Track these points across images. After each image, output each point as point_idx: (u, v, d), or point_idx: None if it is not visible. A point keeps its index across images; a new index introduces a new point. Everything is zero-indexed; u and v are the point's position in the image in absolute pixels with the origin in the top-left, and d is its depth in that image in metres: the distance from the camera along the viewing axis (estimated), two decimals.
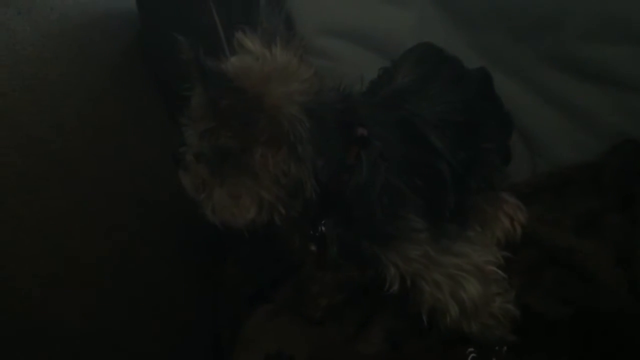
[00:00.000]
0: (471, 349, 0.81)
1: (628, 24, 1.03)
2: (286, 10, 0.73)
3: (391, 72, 0.94)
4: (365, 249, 0.76)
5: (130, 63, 1.08)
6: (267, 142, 0.68)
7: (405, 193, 0.75)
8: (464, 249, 0.79)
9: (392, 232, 0.75)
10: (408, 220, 0.75)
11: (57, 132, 0.79)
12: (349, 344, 0.86)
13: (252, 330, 0.93)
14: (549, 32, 1.08)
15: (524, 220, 0.97)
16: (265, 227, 0.73)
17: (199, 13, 1.06)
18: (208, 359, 1.00)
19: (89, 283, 0.78)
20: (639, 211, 0.94)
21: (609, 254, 0.88)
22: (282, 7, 0.73)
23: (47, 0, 0.88)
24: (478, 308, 0.78)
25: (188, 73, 0.69)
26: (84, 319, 0.76)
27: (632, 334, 0.76)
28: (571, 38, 1.07)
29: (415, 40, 1.04)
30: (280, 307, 0.96)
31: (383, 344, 0.85)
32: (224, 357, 0.95)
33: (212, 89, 0.65)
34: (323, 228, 0.76)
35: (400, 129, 0.79)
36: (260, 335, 0.91)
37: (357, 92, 0.81)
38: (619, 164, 1.05)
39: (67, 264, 0.75)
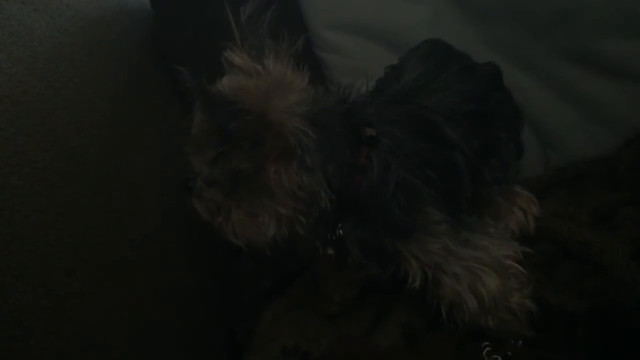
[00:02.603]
0: (486, 343, 0.81)
1: None
2: (269, 19, 0.71)
3: (398, 69, 0.94)
4: (387, 246, 0.76)
5: (144, 60, 1.08)
6: (277, 158, 0.69)
7: (420, 187, 0.75)
8: (483, 242, 0.79)
9: (411, 227, 0.75)
10: (426, 213, 0.76)
11: (75, 130, 0.80)
12: (365, 338, 0.86)
13: (268, 325, 0.93)
14: (564, 26, 1.07)
15: (537, 213, 0.97)
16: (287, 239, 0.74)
17: (213, 10, 1.06)
18: (224, 354, 1.00)
19: (108, 277, 0.79)
20: None
21: (625, 248, 0.87)
22: (264, 17, 0.71)
23: None
24: (496, 302, 0.78)
25: (190, 100, 0.72)
26: (101, 311, 0.76)
27: None
28: (586, 32, 1.06)
29: (428, 35, 1.04)
30: (296, 302, 0.96)
31: (399, 338, 0.85)
32: (239, 351, 0.95)
33: (218, 114, 0.66)
34: (340, 231, 0.77)
35: (412, 123, 0.79)
36: (276, 329, 0.92)
37: (358, 91, 0.81)
38: (633, 158, 1.04)
39: (86, 258, 0.75)
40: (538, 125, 1.17)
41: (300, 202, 0.70)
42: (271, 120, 0.67)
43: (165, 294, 0.92)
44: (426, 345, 0.84)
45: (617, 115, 1.10)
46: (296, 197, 0.70)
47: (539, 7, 1.08)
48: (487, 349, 0.81)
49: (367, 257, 0.79)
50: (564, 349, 0.79)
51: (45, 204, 0.70)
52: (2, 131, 0.66)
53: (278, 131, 0.67)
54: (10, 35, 0.73)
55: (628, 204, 0.96)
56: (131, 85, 0.99)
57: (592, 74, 1.10)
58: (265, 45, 0.72)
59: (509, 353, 0.79)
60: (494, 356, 0.80)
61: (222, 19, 1.06)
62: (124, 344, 0.80)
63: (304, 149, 0.68)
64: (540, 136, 1.17)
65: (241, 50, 0.73)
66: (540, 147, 1.18)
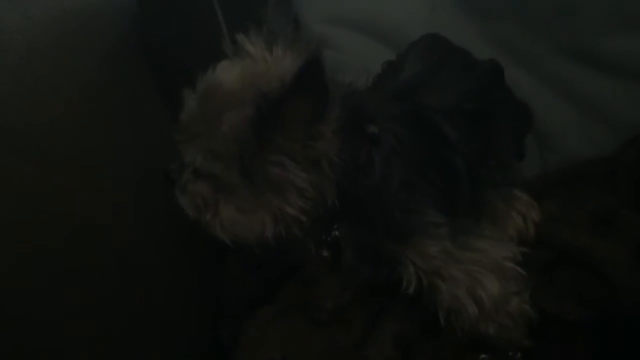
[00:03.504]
0: (484, 356, 0.79)
1: None
2: (295, 11, 0.70)
3: (396, 65, 0.91)
4: (383, 249, 0.73)
5: (126, 52, 1.03)
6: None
7: (422, 188, 0.73)
8: (480, 245, 0.76)
9: (410, 229, 0.73)
10: (426, 215, 0.73)
11: (48, 128, 0.75)
12: (357, 350, 0.82)
13: (254, 334, 0.89)
14: (564, 23, 1.05)
15: (537, 218, 0.94)
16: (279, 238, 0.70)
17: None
18: None
19: (86, 283, 0.75)
20: None
21: (627, 254, 0.84)
22: (291, 7, 0.70)
23: None
24: (497, 307, 0.75)
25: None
26: (77, 320, 0.73)
27: None
28: (587, 29, 1.04)
29: (426, 31, 1.01)
30: (284, 309, 0.92)
31: (392, 350, 0.82)
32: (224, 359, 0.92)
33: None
34: (336, 232, 0.74)
35: (411, 122, 0.76)
36: (262, 339, 0.88)
37: (361, 87, 0.78)
38: (633, 158, 1.02)
39: (61, 263, 0.72)
40: (536, 125, 1.13)
41: (308, 201, 0.67)
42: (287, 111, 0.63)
43: (148, 301, 0.88)
44: (421, 356, 0.80)
45: (617, 114, 1.08)
46: (304, 196, 0.66)
47: (538, 3, 1.06)
48: None
49: (362, 260, 0.76)
50: (563, 358, 0.77)
51: (17, 210, 0.66)
52: None
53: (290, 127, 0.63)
54: None
55: (628, 207, 0.94)
56: (112, 81, 0.93)
57: (591, 72, 1.08)
58: (283, 33, 0.69)
59: None
60: None
61: (211, 6, 1.04)
62: (104, 352, 0.76)
63: None
64: (538, 136, 1.14)
65: (256, 36, 0.70)
66: (538, 148, 1.15)
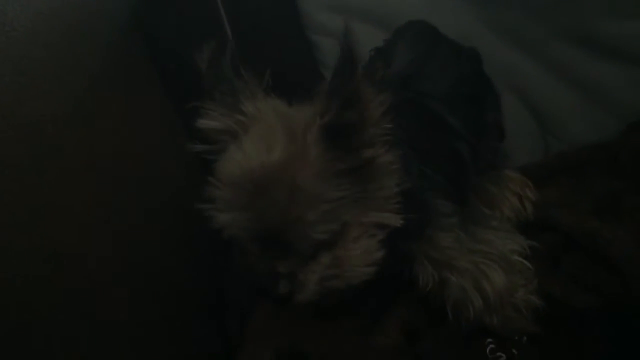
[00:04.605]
0: (490, 340, 0.78)
1: None
2: (229, 58, 0.65)
3: (386, 53, 0.90)
4: (399, 247, 0.71)
5: (128, 44, 1.02)
6: None
7: (431, 177, 0.71)
8: (490, 236, 0.76)
9: (424, 223, 0.71)
10: (437, 205, 0.71)
11: (50, 120, 0.74)
12: (364, 338, 0.82)
13: (261, 324, 0.89)
14: (566, 8, 1.04)
15: (533, 197, 0.94)
16: None
17: None
18: (216, 353, 0.96)
19: (88, 278, 0.74)
20: None
21: (632, 238, 0.84)
22: (224, 58, 0.65)
23: None
24: (502, 300, 0.75)
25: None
26: (81, 318, 0.71)
27: None
28: (589, 12, 1.03)
29: (424, 17, 1.00)
30: None
31: (399, 335, 0.81)
32: (232, 350, 0.92)
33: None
34: None
35: (412, 111, 0.75)
36: (269, 328, 0.87)
37: None
38: (637, 143, 1.01)
39: (64, 259, 0.70)
40: (538, 111, 1.14)
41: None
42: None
43: (153, 291, 0.87)
44: (428, 343, 0.80)
45: (620, 99, 1.07)
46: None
47: None
48: (490, 346, 0.78)
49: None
50: (570, 345, 0.76)
51: (20, 204, 0.65)
52: None
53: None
54: None
55: (632, 191, 0.93)
56: (113, 72, 0.93)
57: (594, 57, 1.07)
58: (236, 87, 0.65)
59: (514, 351, 0.76)
60: (498, 353, 0.77)
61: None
62: (108, 346, 0.75)
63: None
64: (541, 122, 1.14)
65: (214, 107, 0.66)
66: (540, 133, 1.14)
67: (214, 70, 0.65)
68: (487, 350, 0.78)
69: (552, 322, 0.78)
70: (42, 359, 0.65)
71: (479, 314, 0.75)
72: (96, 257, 0.76)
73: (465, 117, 0.79)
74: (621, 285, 0.78)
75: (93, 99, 0.85)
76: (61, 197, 0.72)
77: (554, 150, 1.13)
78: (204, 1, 1.06)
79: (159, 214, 0.93)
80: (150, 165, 0.94)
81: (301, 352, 0.80)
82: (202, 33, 1.09)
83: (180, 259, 0.96)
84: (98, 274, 0.75)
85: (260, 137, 0.62)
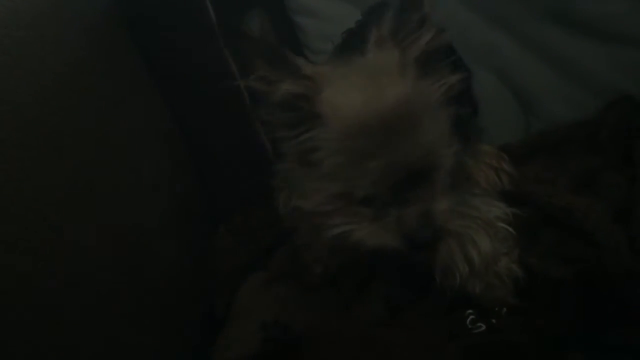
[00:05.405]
0: (470, 311, 0.80)
1: None
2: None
3: (357, 33, 0.87)
4: None
5: (111, 25, 1.02)
6: None
7: None
8: (476, 202, 0.77)
9: None
10: None
11: (34, 99, 0.74)
12: (347, 311, 0.84)
13: (247, 300, 0.91)
14: None
15: (508, 168, 0.95)
16: None
17: None
18: (203, 329, 0.98)
19: (69, 259, 0.74)
20: (637, 168, 0.93)
21: (607, 213, 0.86)
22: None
23: None
24: (487, 266, 0.76)
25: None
26: (67, 288, 0.72)
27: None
28: None
29: None
30: (275, 275, 0.94)
31: (382, 310, 0.83)
32: (218, 327, 0.93)
33: None
34: None
35: None
36: (255, 304, 0.89)
37: None
38: (615, 121, 1.03)
39: (46, 236, 0.70)
40: (518, 90, 1.15)
41: None
42: None
43: (139, 269, 0.88)
44: (410, 315, 0.82)
45: (599, 78, 1.09)
46: None
47: None
48: (471, 317, 0.80)
49: None
50: (547, 315, 0.78)
51: (2, 178, 0.65)
52: None
53: None
54: None
55: (611, 168, 0.95)
56: (96, 52, 0.93)
57: (573, 36, 1.08)
58: (288, 55, 0.65)
59: (493, 320, 0.78)
60: (478, 324, 0.79)
61: None
62: (95, 319, 0.76)
63: None
64: (521, 101, 1.15)
65: (278, 76, 0.64)
66: (521, 113, 1.16)
67: (264, 40, 0.64)
68: (468, 321, 0.79)
69: (530, 293, 0.79)
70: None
71: (463, 281, 0.76)
72: (75, 234, 0.75)
73: None
74: (595, 256, 0.80)
75: (77, 80, 0.85)
76: (44, 177, 0.72)
77: (534, 129, 1.14)
78: None
79: (143, 196, 0.93)
80: (134, 142, 0.95)
81: (285, 325, 0.81)
82: (185, 16, 1.09)
83: (163, 237, 0.96)
84: (79, 254, 0.75)
85: (355, 88, 0.63)
